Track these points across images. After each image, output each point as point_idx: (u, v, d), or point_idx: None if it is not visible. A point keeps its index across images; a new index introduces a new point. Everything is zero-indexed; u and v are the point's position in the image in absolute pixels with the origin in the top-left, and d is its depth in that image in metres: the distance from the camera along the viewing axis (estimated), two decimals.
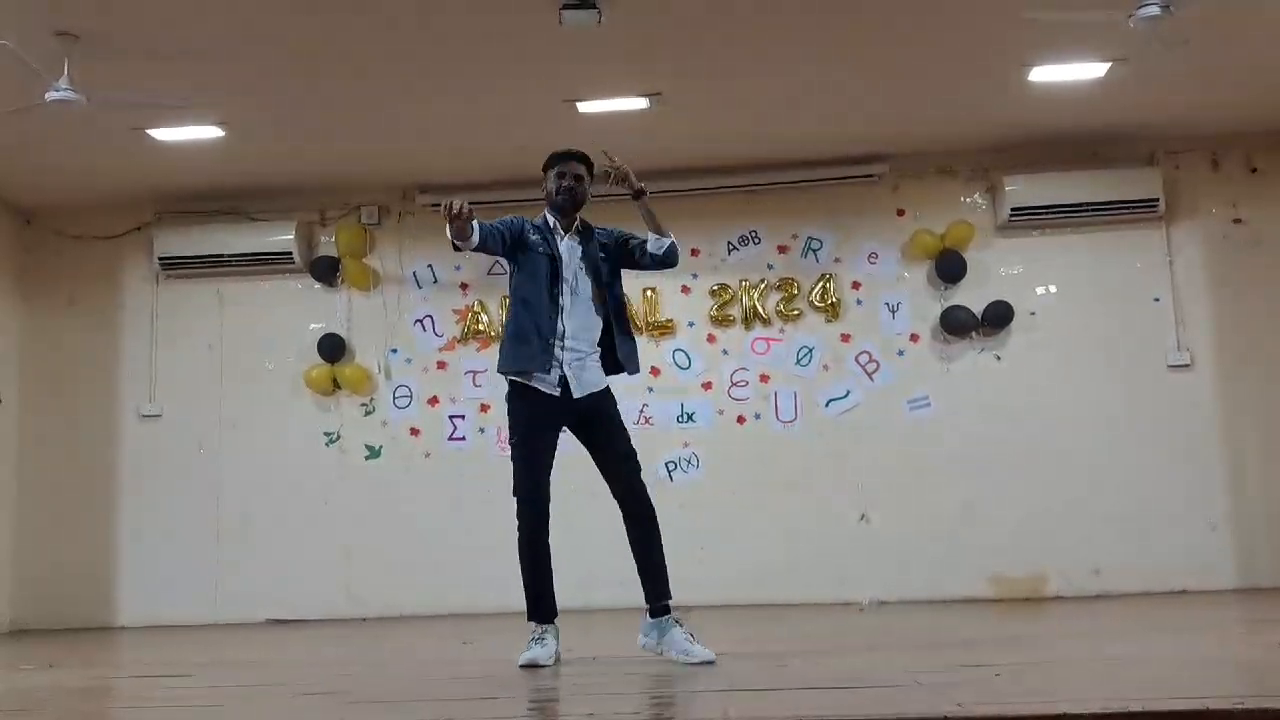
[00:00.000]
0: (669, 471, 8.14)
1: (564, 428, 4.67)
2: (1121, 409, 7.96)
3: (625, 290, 4.83)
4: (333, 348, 8.46)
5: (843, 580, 7.86)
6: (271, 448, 8.48)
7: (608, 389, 4.69)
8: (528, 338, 4.56)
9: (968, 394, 8.09)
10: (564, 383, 4.56)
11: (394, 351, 8.53)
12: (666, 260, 4.73)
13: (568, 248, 4.64)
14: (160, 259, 8.55)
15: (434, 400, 8.44)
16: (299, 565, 8.27)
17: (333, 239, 8.61)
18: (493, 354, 8.31)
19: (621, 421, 4.69)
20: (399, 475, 8.38)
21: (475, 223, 4.40)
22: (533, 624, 4.61)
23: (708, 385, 8.30)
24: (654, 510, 4.59)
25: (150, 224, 8.67)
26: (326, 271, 8.58)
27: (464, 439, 8.38)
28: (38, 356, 8.65)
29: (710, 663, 4.33)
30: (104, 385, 8.63)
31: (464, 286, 8.54)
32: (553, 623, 4.61)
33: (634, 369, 4.72)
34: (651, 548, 4.57)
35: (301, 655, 6.06)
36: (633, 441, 4.67)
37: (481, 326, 8.46)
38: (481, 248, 4.54)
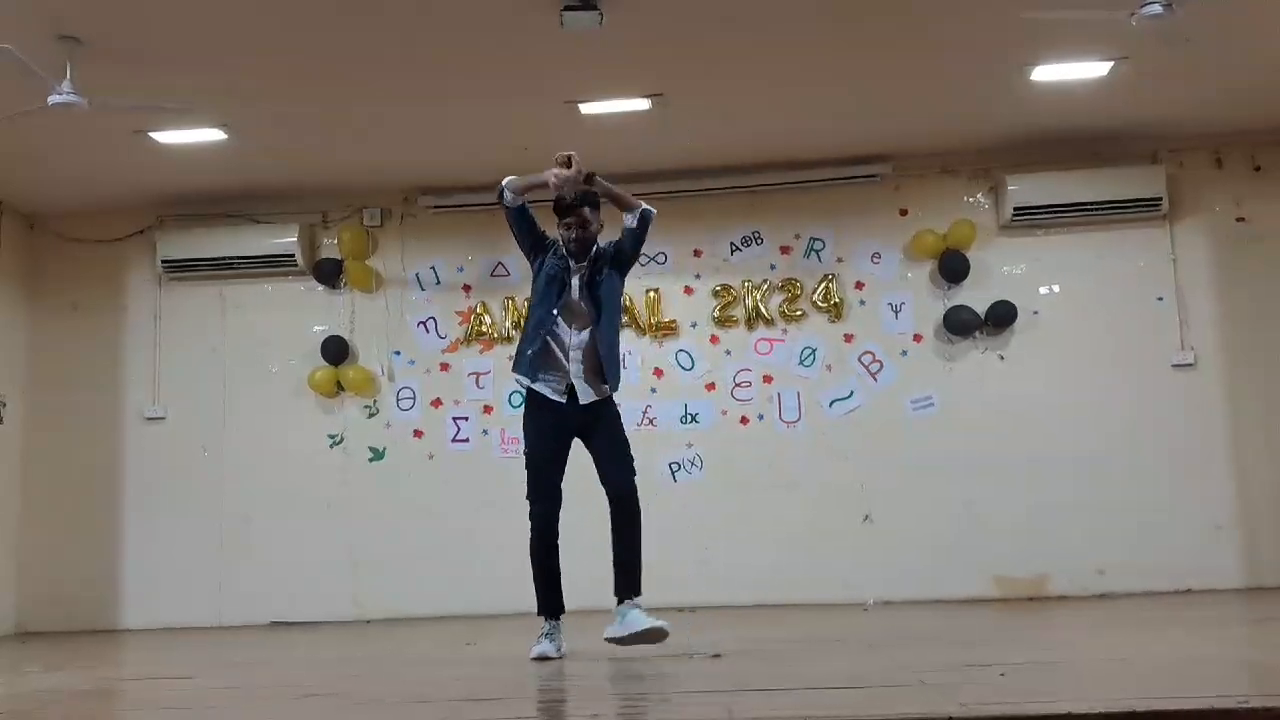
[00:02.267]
0: (672, 472, 8.14)
1: (574, 434, 4.95)
2: (1125, 408, 7.94)
3: (629, 292, 4.98)
4: (336, 350, 8.46)
5: (846, 580, 7.85)
6: (275, 450, 8.48)
7: (608, 399, 4.97)
8: (526, 350, 4.93)
9: (971, 394, 8.08)
10: (570, 391, 4.87)
11: (397, 353, 8.53)
12: (642, 229, 4.98)
13: (577, 281, 4.91)
14: (163, 262, 8.55)
15: (437, 402, 8.44)
16: (303, 567, 8.28)
17: (335, 241, 8.62)
18: (495, 355, 8.42)
19: (620, 427, 4.97)
20: (402, 477, 8.38)
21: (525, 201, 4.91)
22: (542, 619, 4.89)
23: (711, 386, 8.29)
24: (637, 509, 4.83)
25: (153, 227, 8.68)
26: (329, 274, 8.58)
27: (467, 441, 8.38)
28: (42, 360, 8.65)
29: (658, 629, 4.58)
30: (108, 388, 8.63)
31: (466, 288, 8.55)
32: (558, 619, 4.88)
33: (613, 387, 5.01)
34: (621, 543, 4.82)
35: (305, 657, 6.07)
36: (631, 447, 4.96)
37: (484, 328, 8.46)
38: (521, 215, 4.92)
